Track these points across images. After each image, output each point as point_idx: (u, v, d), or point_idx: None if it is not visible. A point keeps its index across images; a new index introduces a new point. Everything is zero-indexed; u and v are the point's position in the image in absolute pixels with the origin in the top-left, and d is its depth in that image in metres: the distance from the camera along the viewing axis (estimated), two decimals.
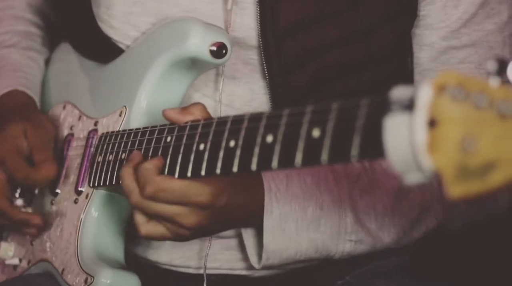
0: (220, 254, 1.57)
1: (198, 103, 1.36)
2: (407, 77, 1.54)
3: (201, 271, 1.56)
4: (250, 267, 1.52)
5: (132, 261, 1.56)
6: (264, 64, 1.48)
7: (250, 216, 1.40)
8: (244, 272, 1.59)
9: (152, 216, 1.34)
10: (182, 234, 1.35)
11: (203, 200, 1.30)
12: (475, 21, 1.48)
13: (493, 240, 1.53)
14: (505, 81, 0.92)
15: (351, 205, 1.39)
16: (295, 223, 1.38)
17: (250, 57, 1.51)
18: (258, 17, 1.47)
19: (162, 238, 1.36)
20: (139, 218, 1.35)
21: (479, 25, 1.48)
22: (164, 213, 1.32)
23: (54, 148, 1.62)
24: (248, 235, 1.46)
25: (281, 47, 1.46)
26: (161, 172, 1.32)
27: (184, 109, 1.35)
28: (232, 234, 1.55)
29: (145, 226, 1.35)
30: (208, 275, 1.53)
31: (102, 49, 1.62)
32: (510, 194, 1.45)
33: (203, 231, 1.37)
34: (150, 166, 1.32)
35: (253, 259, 1.46)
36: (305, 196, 1.38)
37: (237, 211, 1.36)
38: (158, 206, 1.31)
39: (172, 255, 1.59)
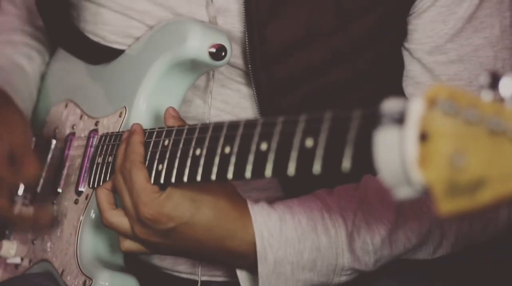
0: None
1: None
2: (399, 94, 1.52)
3: (199, 277, 1.56)
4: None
5: (133, 264, 1.55)
6: (254, 90, 1.48)
7: (240, 257, 1.36)
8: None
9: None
10: (153, 243, 1.36)
11: (146, 211, 1.32)
12: (463, 36, 1.45)
13: (493, 240, 1.51)
14: (497, 96, 0.90)
15: (348, 245, 1.37)
16: (290, 265, 1.35)
17: (239, 82, 1.51)
18: (247, 44, 1.45)
19: (141, 251, 1.40)
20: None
21: (467, 40, 1.45)
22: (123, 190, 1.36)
23: (31, 143, 1.60)
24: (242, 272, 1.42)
25: (270, 73, 1.46)
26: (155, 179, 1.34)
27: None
28: None
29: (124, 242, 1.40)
30: (208, 282, 1.53)
31: (97, 54, 1.62)
32: (510, 215, 1.45)
33: (168, 244, 1.36)
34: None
35: None
36: (300, 239, 1.35)
37: (216, 243, 1.34)
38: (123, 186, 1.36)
39: (168, 259, 1.58)
